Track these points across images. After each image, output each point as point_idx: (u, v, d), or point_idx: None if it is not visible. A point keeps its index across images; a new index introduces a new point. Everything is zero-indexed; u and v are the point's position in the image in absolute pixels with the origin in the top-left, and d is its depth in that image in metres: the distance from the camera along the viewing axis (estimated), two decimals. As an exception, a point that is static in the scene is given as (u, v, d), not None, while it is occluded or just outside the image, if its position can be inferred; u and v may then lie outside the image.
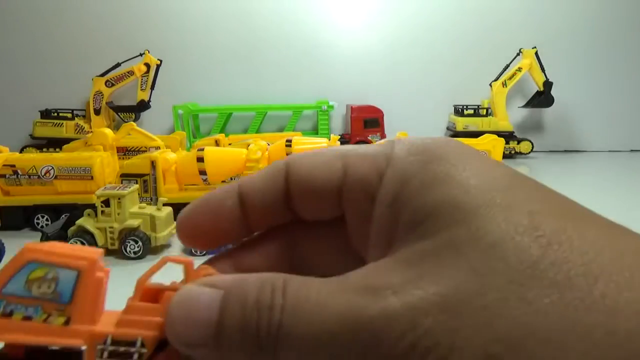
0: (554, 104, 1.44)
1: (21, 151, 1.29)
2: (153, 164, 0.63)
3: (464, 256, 0.09)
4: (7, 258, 0.53)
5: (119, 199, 0.52)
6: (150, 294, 0.11)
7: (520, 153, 1.40)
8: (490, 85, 1.45)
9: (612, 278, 0.08)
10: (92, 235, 0.51)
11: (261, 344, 0.09)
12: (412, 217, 0.10)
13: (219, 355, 0.10)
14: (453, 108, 1.50)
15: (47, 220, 0.72)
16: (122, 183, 0.62)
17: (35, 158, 0.65)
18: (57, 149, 1.20)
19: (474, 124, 1.41)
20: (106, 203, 0.52)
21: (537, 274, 0.08)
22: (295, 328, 0.09)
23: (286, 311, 0.09)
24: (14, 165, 0.64)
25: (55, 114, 1.37)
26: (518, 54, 1.45)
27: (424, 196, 0.10)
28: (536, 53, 1.43)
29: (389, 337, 0.08)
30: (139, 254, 0.50)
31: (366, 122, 1.39)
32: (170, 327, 0.10)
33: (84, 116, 1.41)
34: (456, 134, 1.41)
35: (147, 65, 1.39)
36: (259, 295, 0.10)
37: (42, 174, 0.64)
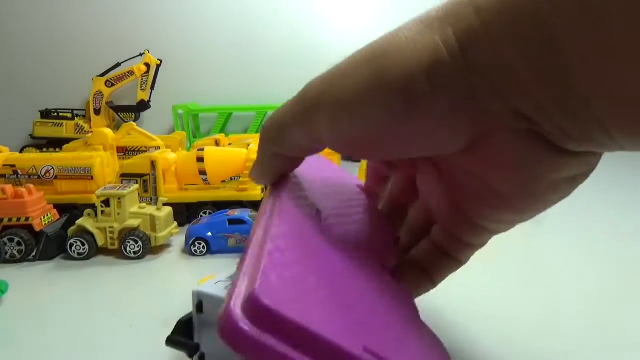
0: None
1: (21, 151, 1.28)
2: (153, 164, 0.63)
3: None
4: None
5: (119, 199, 0.52)
6: None
7: (520, 153, 1.40)
8: (490, 85, 1.45)
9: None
10: (92, 235, 0.51)
11: None
12: None
13: None
14: (453, 108, 1.50)
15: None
16: (122, 183, 0.62)
17: (35, 158, 0.65)
18: (57, 149, 1.20)
19: (474, 123, 1.41)
20: (106, 203, 0.52)
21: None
22: None
23: None
24: (14, 165, 0.64)
25: (55, 114, 1.37)
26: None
27: None
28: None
29: None
30: (139, 254, 0.50)
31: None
32: None
33: (84, 116, 1.41)
34: (456, 134, 1.41)
35: (147, 65, 1.39)
36: None
37: (42, 174, 0.63)
